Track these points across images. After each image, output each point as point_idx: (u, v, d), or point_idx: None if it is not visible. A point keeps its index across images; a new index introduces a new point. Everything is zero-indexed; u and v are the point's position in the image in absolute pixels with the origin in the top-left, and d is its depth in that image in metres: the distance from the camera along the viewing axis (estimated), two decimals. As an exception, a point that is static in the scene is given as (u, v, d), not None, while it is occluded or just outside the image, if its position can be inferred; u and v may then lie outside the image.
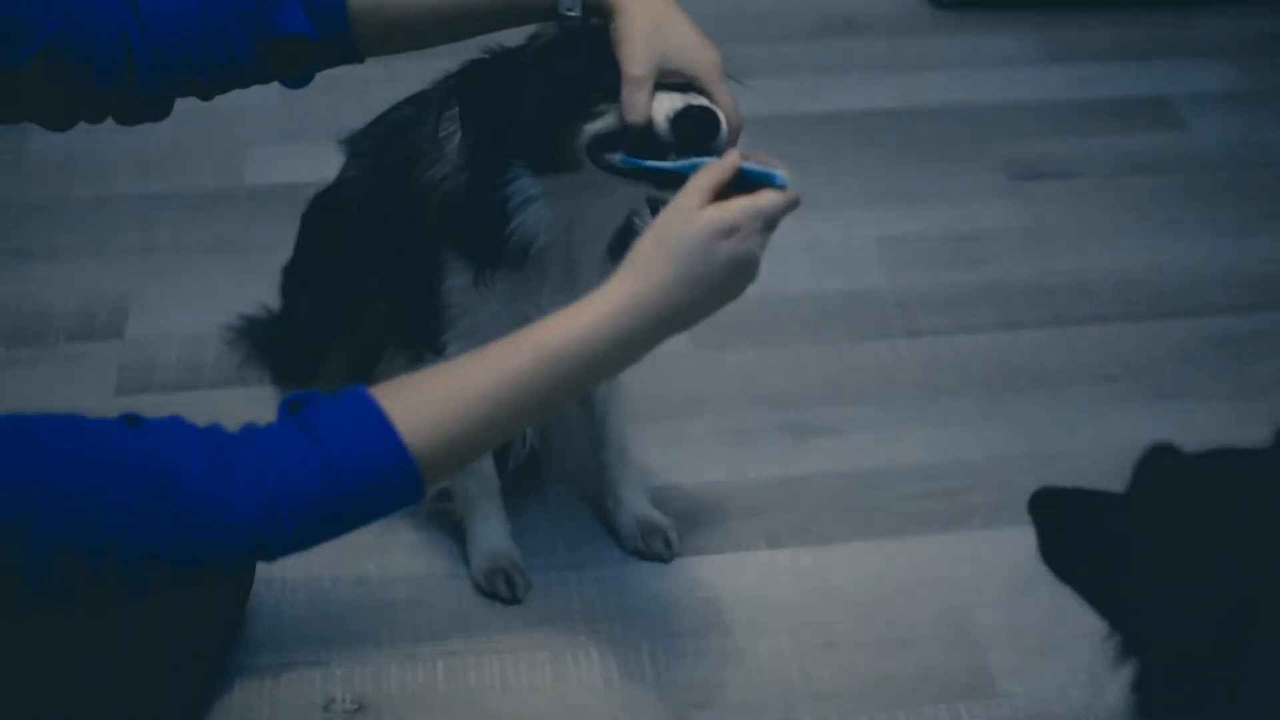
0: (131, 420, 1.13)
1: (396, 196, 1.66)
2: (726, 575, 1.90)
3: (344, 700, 1.73)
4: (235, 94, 1.48)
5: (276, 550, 1.14)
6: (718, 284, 1.22)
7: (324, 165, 1.89)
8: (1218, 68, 3.03)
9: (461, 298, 1.68)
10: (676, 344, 2.23)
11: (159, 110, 1.43)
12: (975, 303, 2.39)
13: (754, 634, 1.82)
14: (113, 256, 2.42)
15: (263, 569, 1.74)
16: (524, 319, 1.66)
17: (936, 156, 2.72)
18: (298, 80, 1.45)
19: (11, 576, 1.06)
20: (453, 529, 1.92)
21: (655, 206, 1.64)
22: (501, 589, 1.85)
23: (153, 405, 1.47)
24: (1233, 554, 1.09)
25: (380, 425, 1.13)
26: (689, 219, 1.21)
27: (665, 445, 2.08)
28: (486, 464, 1.85)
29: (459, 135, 1.53)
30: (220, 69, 1.39)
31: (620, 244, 1.66)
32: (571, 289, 1.63)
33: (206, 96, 1.45)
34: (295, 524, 1.12)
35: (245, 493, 1.10)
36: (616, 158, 1.42)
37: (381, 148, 1.74)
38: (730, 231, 1.21)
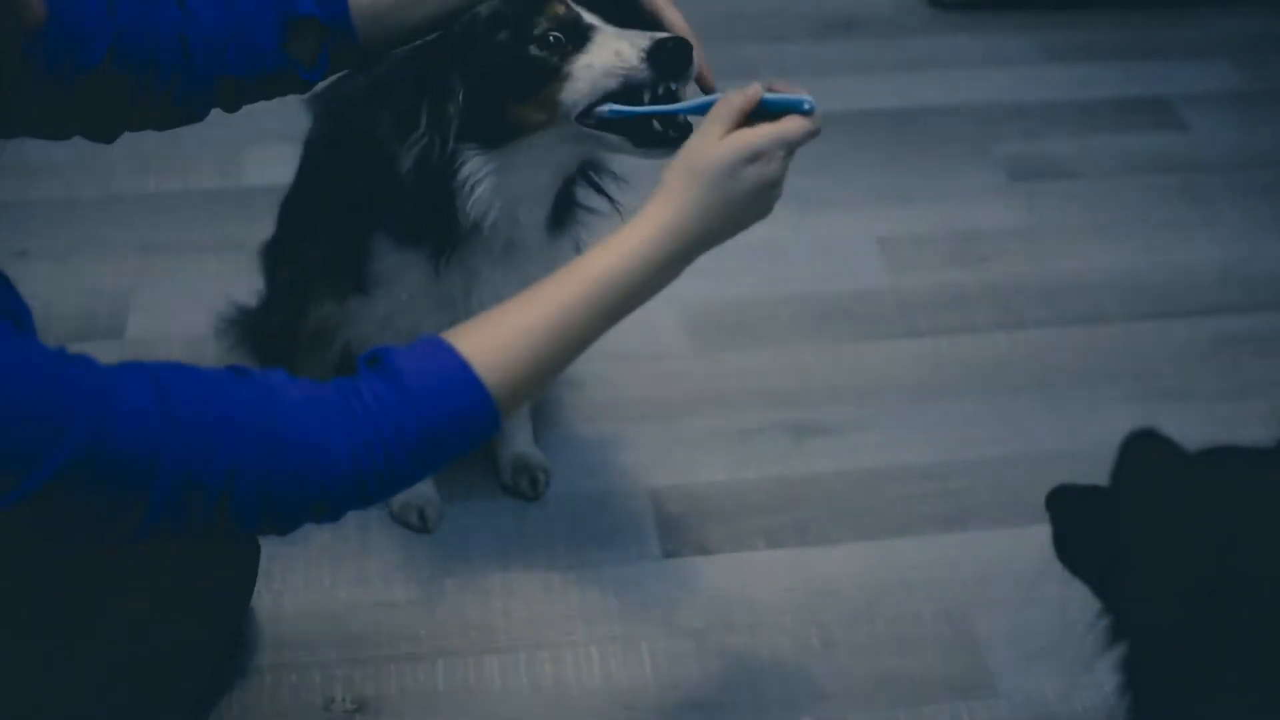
0: (237, 371, 1.19)
1: (339, 174, 1.67)
2: (726, 575, 1.90)
3: (344, 700, 1.73)
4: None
5: (374, 489, 1.19)
6: (745, 206, 1.29)
7: (324, 165, 1.89)
8: (1218, 68, 3.03)
9: (385, 279, 1.70)
10: (676, 344, 2.25)
11: (199, 112, 1.48)
12: (975, 303, 2.39)
13: (754, 634, 1.82)
14: (113, 256, 2.42)
15: (263, 570, 1.74)
16: (450, 302, 1.67)
17: (936, 156, 2.72)
18: (313, 71, 1.49)
19: (138, 508, 1.11)
20: (453, 529, 1.92)
21: (588, 173, 1.65)
22: (413, 520, 1.92)
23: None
24: (1215, 537, 1.10)
25: (456, 363, 1.20)
26: (714, 146, 1.27)
27: (665, 445, 2.09)
28: None
29: (388, 125, 1.53)
30: (250, 62, 1.45)
31: (558, 213, 1.66)
32: (511, 260, 1.65)
33: (232, 107, 1.50)
34: (390, 463, 1.18)
35: (344, 436, 1.16)
36: (605, 109, 1.44)
37: (334, 115, 1.71)
38: (754, 157, 1.27)
